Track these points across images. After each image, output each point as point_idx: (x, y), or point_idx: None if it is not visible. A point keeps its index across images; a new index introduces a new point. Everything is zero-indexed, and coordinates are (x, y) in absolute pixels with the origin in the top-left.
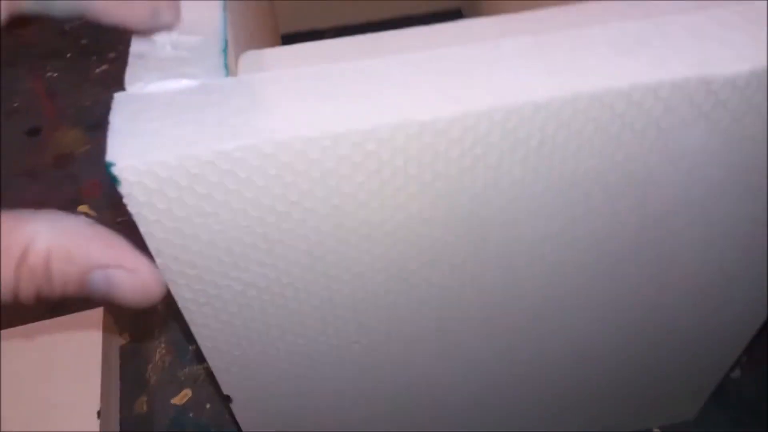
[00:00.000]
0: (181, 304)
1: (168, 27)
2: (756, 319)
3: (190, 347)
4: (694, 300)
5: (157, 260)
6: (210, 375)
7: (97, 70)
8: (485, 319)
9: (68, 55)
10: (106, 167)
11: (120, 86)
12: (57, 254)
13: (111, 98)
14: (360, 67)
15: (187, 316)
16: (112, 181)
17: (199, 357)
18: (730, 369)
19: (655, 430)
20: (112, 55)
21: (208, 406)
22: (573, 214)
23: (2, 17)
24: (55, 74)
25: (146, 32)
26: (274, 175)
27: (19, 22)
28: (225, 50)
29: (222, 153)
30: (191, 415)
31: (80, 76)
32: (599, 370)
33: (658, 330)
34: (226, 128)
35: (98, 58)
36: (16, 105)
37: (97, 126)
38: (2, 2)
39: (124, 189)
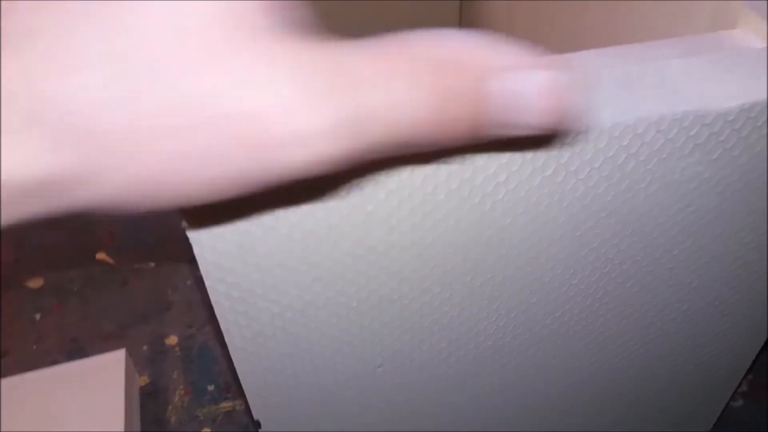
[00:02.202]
0: (223, 326)
1: None
2: (748, 357)
3: (209, 387)
4: (692, 339)
5: (206, 282)
6: (228, 414)
7: None
8: (504, 354)
9: None
10: None
11: None
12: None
13: None
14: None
15: (227, 338)
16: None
17: (217, 397)
18: (732, 398)
19: None
20: None
21: None
22: (576, 240)
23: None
24: None
25: None
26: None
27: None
28: None
29: None
30: None
31: None
32: (602, 405)
33: (659, 367)
34: None
35: None
36: None
37: None
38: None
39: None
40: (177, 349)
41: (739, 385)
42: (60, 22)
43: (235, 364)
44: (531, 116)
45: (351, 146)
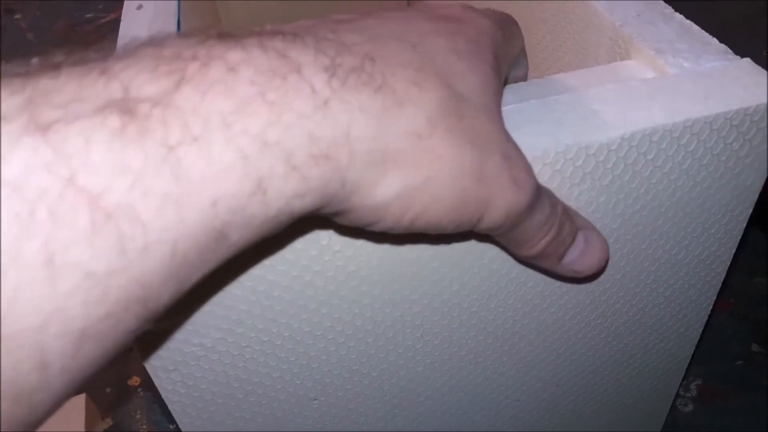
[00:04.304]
0: (150, 371)
1: None
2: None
3: (170, 426)
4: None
5: None
6: None
7: None
8: (434, 378)
9: None
10: None
11: None
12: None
13: None
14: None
15: (158, 383)
16: None
17: None
18: (683, 404)
19: None
20: None
21: None
22: (484, 268)
23: None
24: None
25: None
26: None
27: None
28: None
29: None
30: None
31: None
32: (540, 422)
33: (594, 381)
34: None
35: None
36: None
37: None
38: None
39: None
40: (140, 389)
41: (689, 390)
42: None
43: (169, 407)
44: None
45: None
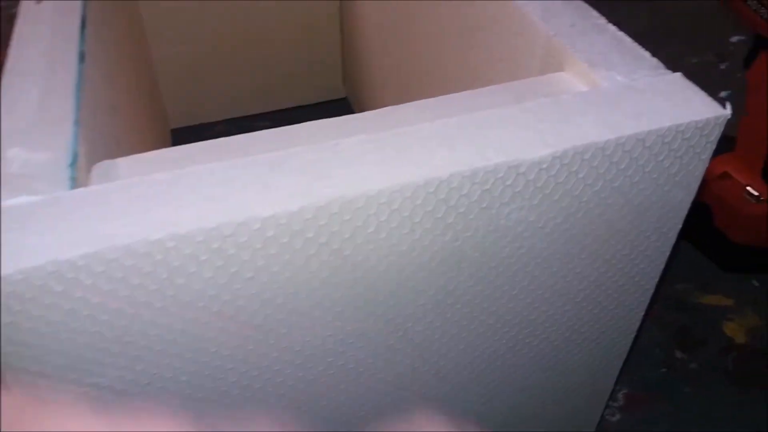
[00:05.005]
0: None
1: None
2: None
3: None
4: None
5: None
6: None
7: None
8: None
9: None
10: None
11: None
12: None
13: None
14: (209, 169)
15: None
16: None
17: None
18: (610, 414)
19: None
20: None
21: None
22: (410, 291)
23: None
24: None
25: None
26: (120, 279)
27: None
28: (73, 164)
29: (67, 262)
30: None
31: None
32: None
33: (530, 388)
34: (71, 237)
35: None
36: None
37: None
38: None
39: None
40: None
41: (616, 399)
42: None
43: None
44: None
45: None
